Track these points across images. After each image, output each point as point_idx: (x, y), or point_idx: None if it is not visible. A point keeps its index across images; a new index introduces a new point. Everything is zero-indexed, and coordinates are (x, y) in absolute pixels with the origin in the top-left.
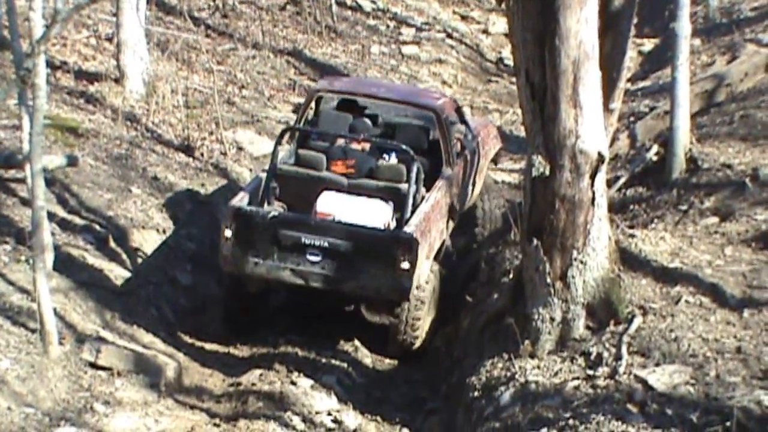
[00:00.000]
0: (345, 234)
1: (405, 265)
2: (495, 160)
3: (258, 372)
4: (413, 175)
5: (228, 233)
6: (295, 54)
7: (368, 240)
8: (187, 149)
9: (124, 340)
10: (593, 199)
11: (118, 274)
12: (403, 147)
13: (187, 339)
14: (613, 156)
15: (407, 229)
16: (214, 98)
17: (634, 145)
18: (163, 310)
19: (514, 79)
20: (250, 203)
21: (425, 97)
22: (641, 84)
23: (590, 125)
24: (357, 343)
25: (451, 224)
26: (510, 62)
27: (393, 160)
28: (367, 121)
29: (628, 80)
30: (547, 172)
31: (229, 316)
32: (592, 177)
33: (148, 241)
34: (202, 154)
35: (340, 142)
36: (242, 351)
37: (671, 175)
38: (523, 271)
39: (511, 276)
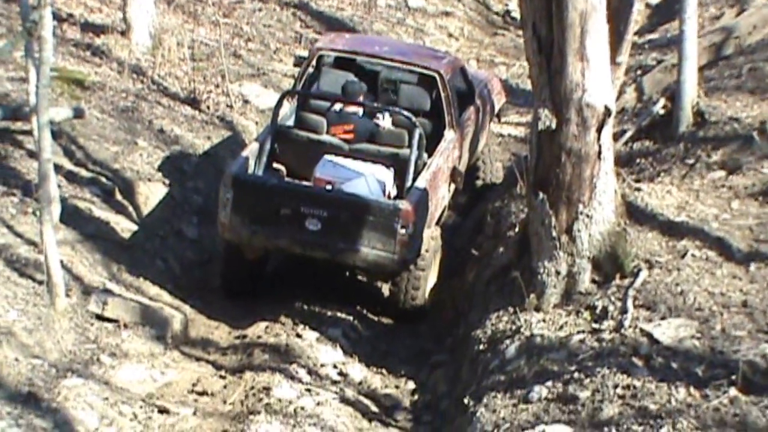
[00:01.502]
0: (344, 204)
1: (405, 237)
2: (498, 115)
3: (263, 324)
4: (415, 141)
5: (226, 200)
6: (301, 7)
7: (368, 211)
8: (193, 102)
9: (130, 293)
10: (599, 152)
11: (124, 226)
12: (405, 113)
13: (194, 292)
14: (620, 109)
15: (408, 199)
16: (220, 51)
17: (641, 98)
18: (170, 262)
19: (520, 32)
20: (249, 166)
21: (428, 58)
22: (648, 37)
23: (597, 79)
24: (359, 299)
25: (453, 187)
26: (517, 15)
27: (388, 120)
28: (361, 83)
29: (636, 33)
30: (554, 126)
31: (227, 281)
32: (599, 130)
33: (154, 194)
34: (208, 107)
35: (339, 105)
36: (248, 304)
37: (678, 129)
38: (529, 225)
39: (516, 230)
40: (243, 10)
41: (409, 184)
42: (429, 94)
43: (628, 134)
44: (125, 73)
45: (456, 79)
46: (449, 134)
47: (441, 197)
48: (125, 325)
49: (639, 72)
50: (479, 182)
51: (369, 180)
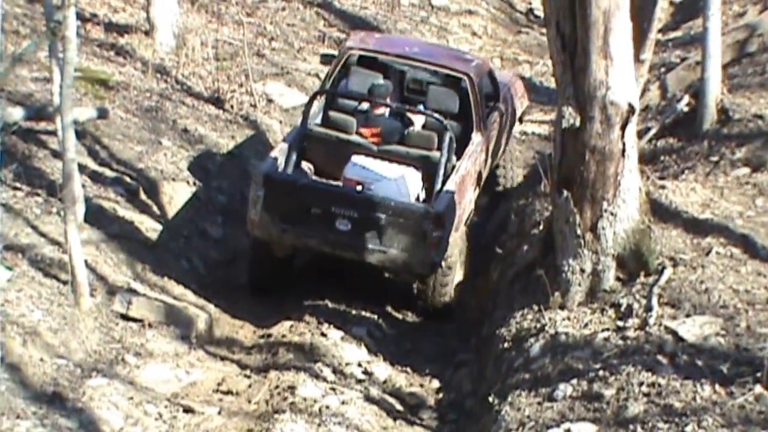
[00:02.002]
0: (375, 206)
1: (435, 239)
2: (521, 119)
3: (288, 323)
4: (446, 144)
5: (257, 198)
6: (324, 5)
7: (399, 213)
8: (217, 101)
9: (155, 292)
10: (623, 150)
11: (148, 226)
12: (436, 115)
13: (218, 291)
14: (644, 107)
15: (439, 202)
16: (244, 50)
17: (665, 96)
18: (194, 262)
19: (544, 30)
20: (279, 165)
21: (458, 60)
22: (672, 34)
23: (621, 76)
24: (386, 296)
25: (478, 190)
26: (540, 13)
27: (419, 122)
28: (388, 83)
29: (659, 31)
30: (578, 124)
31: (255, 279)
32: (623, 128)
33: (178, 194)
34: (231, 107)
35: (366, 105)
36: (272, 303)
37: (702, 126)
38: (553, 223)
39: (541, 228)
40: (266, 9)
41: (438, 187)
42: (457, 96)
43: (652, 132)
44: (149, 73)
45: (484, 82)
46: (477, 137)
47: (469, 200)
48: (150, 325)
49: (663, 69)
50: (498, 187)
51: (399, 182)
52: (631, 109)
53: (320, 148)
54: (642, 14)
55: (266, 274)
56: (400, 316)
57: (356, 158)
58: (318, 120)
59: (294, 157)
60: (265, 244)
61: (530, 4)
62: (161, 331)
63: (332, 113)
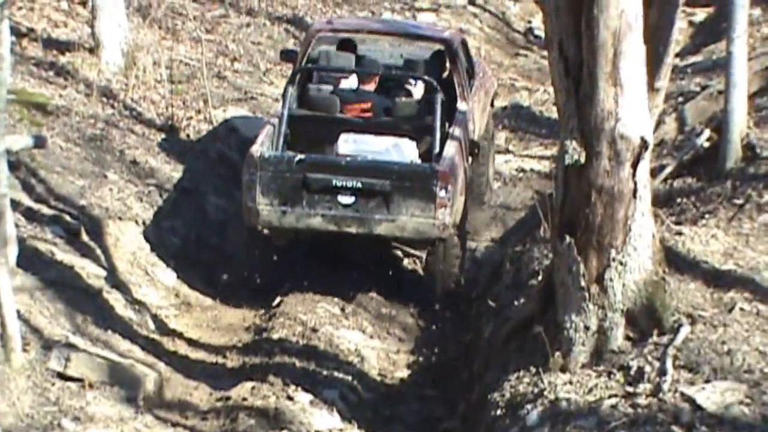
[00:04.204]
0: (379, 172)
1: (444, 200)
2: (492, 102)
3: (250, 385)
4: (438, 107)
5: (251, 183)
6: (294, 22)
7: (404, 176)
8: (171, 129)
9: (97, 348)
10: (635, 190)
11: (90, 271)
12: (426, 78)
13: (170, 346)
14: (659, 142)
15: (442, 162)
16: (202, 72)
17: (682, 129)
18: (143, 313)
19: (545, 53)
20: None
21: (432, 30)
22: (692, 59)
23: (632, 106)
24: (363, 353)
25: (469, 163)
26: (541, 33)
27: (419, 89)
28: (375, 58)
29: (677, 55)
30: (583, 160)
31: (251, 275)
32: (634, 165)
33: (125, 234)
34: (187, 135)
35: (349, 84)
36: (232, 360)
37: (725, 164)
38: (554, 273)
39: (540, 278)
40: (228, 26)
41: (437, 150)
42: (438, 66)
43: (668, 170)
44: (93, 97)
45: (462, 51)
46: (462, 106)
47: (465, 168)
48: (91, 385)
49: (680, 99)
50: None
51: (395, 151)
52: (644, 144)
53: (303, 132)
54: (657, 36)
55: (263, 270)
56: (377, 377)
57: (346, 135)
58: (295, 106)
59: (281, 139)
60: (261, 236)
61: (530, 22)
62: (104, 393)
63: (312, 94)
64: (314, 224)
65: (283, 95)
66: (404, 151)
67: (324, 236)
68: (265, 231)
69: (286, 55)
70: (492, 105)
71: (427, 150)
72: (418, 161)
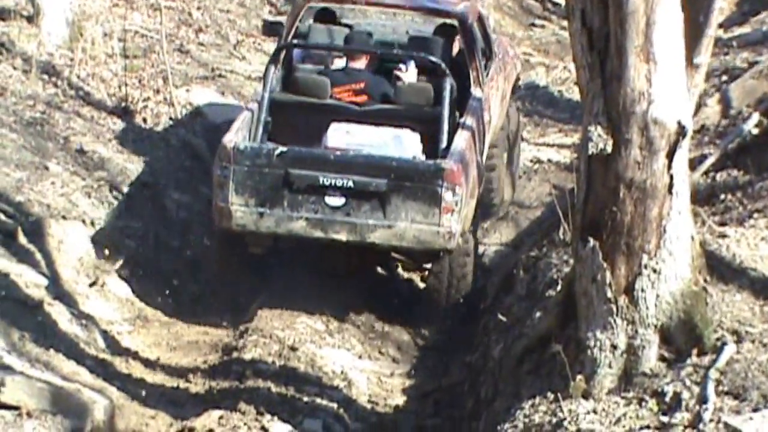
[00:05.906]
0: (374, 169)
1: (450, 203)
2: (515, 88)
3: (217, 414)
4: (446, 94)
5: (224, 179)
6: None
7: (404, 175)
8: (125, 113)
9: (36, 370)
10: (671, 185)
11: (29, 280)
12: (432, 59)
13: (123, 368)
14: (699, 128)
15: (449, 158)
16: (162, 45)
17: (726, 113)
18: (90, 329)
19: (565, 24)
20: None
21: (442, 3)
22: (737, 31)
23: (667, 86)
24: (351, 376)
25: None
26: (561, 0)
27: (412, 73)
28: (367, 34)
29: (720, 25)
30: (609, 149)
31: (223, 284)
32: (670, 156)
33: (70, 236)
34: (144, 120)
35: (339, 63)
36: (196, 385)
37: None
38: (576, 282)
39: (558, 288)
40: None
41: (444, 144)
42: (447, 46)
43: (710, 161)
44: (33, 74)
45: (476, 29)
46: (477, 92)
47: (478, 166)
48: (29, 414)
49: (724, 78)
50: (494, 199)
51: (393, 145)
52: (681, 130)
53: (287, 120)
54: (697, 3)
55: (237, 278)
56: (367, 405)
57: (336, 125)
58: (278, 89)
59: (261, 128)
60: (236, 240)
61: None
62: (44, 422)
63: (298, 74)
64: (297, 229)
65: (264, 76)
66: (405, 144)
67: (308, 244)
68: (239, 235)
69: (270, 29)
70: (514, 92)
71: (433, 144)
72: (422, 157)
